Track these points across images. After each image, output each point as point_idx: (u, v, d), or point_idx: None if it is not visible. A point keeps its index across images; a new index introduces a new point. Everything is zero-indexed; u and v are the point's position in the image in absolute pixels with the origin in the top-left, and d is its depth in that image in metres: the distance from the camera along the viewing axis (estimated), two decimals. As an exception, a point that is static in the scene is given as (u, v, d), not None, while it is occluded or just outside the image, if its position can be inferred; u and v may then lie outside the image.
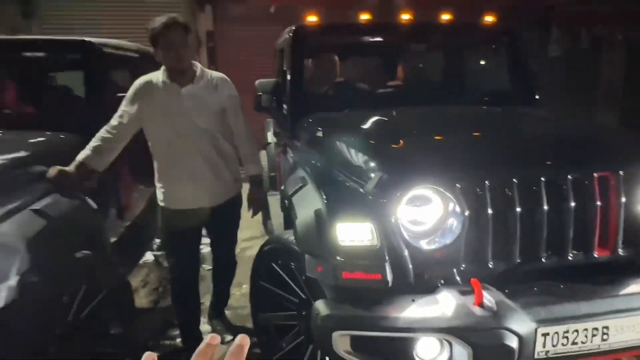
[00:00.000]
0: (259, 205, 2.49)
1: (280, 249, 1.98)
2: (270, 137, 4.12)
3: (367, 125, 2.29)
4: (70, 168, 2.09)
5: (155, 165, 2.31)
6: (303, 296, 1.94)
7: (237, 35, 6.94)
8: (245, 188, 2.51)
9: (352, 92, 3.06)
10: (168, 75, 2.18)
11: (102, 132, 2.19)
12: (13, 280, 1.58)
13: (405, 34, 3.08)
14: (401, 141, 1.92)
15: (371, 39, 3.18)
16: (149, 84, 2.21)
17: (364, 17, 3.04)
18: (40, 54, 3.07)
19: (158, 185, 2.34)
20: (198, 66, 2.25)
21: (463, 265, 1.63)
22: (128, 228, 2.89)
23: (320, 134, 2.37)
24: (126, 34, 6.54)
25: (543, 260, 1.68)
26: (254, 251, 2.33)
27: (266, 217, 4.13)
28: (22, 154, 2.10)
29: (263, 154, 4.37)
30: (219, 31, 7.01)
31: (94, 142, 2.16)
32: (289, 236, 1.94)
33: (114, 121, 2.21)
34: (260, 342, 2.22)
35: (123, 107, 2.22)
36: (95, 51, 2.78)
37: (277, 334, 2.15)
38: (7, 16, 6.87)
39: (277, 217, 3.54)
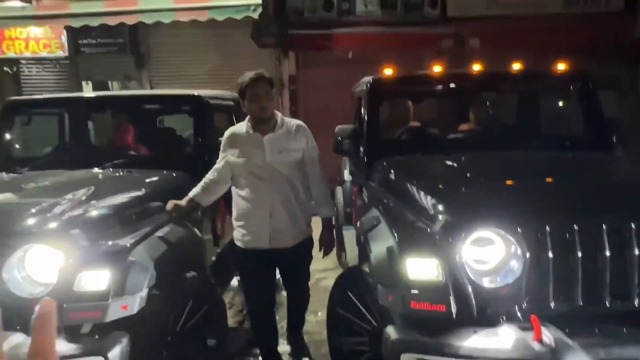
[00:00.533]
0: (330, 246, 2.68)
1: (356, 279, 2.23)
2: (347, 175, 4.44)
3: (436, 169, 2.52)
4: (183, 202, 2.51)
5: (235, 205, 2.55)
6: (375, 323, 2.17)
7: (317, 78, 7.50)
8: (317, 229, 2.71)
9: (424, 137, 3.30)
10: (252, 125, 2.46)
11: (209, 174, 2.57)
12: (144, 292, 1.99)
13: (475, 83, 3.29)
14: (467, 185, 2.12)
15: (443, 88, 3.41)
16: (235, 134, 2.53)
17: (437, 68, 3.30)
18: (159, 106, 3.69)
19: (236, 224, 2.55)
20: (279, 115, 2.52)
21: (524, 304, 1.77)
22: (220, 254, 3.32)
23: (393, 176, 2.63)
24: (219, 81, 7.44)
25: (607, 304, 1.77)
26: (328, 282, 2.62)
27: (340, 250, 4.40)
28: (148, 190, 2.60)
29: (339, 190, 4.70)
30: (300, 75, 7.60)
31: (203, 181, 2.55)
32: (364, 268, 2.19)
33: (217, 165, 2.57)
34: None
35: (220, 154, 2.58)
36: (202, 102, 3.32)
37: (350, 358, 2.37)
38: (123, 65, 8.06)
39: (352, 250, 3.80)
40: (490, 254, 1.83)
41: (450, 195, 2.04)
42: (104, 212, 2.23)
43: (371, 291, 2.06)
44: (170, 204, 2.49)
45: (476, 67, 3.27)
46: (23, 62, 7.95)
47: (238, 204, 2.53)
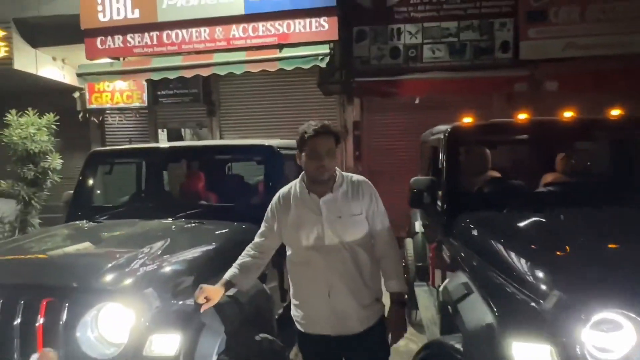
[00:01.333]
0: (400, 330, 2.06)
1: (443, 355, 1.96)
2: (418, 227, 4.18)
3: (535, 230, 2.24)
4: (217, 288, 2.01)
5: (290, 279, 2.13)
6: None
7: (382, 124, 7.42)
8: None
9: (509, 189, 3.01)
10: (306, 185, 2.03)
11: (248, 250, 2.15)
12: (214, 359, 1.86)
13: (567, 131, 3.00)
14: (581, 253, 1.83)
15: (530, 136, 3.14)
16: (286, 197, 2.09)
17: (522, 115, 3.06)
18: (232, 155, 3.72)
19: (293, 301, 2.12)
20: (337, 171, 2.06)
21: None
22: (287, 307, 3.16)
23: (481, 236, 2.37)
24: (284, 128, 7.59)
25: None
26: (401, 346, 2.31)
27: (411, 307, 4.08)
28: (219, 244, 2.53)
29: (409, 243, 4.43)
30: (364, 121, 7.56)
31: (240, 259, 2.12)
32: (453, 343, 1.92)
33: (257, 239, 2.15)
34: None
35: (264, 223, 2.14)
36: (273, 152, 3.30)
37: None
38: (195, 114, 8.49)
39: (426, 309, 3.49)
40: (617, 340, 1.51)
41: (562, 266, 1.76)
42: (177, 269, 2.17)
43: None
44: (200, 293, 1.95)
45: (567, 114, 2.98)
46: (108, 112, 8.62)
47: (292, 278, 2.12)
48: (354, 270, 1.99)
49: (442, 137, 3.08)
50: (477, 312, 1.72)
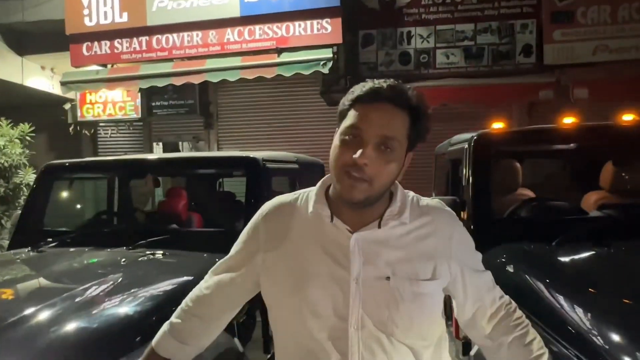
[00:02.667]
0: None
1: None
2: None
3: (594, 271, 1.60)
4: None
5: None
6: None
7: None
8: None
9: (553, 214, 2.37)
10: (329, 202, 1.05)
11: (191, 299, 1.19)
12: None
13: (621, 139, 2.37)
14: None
15: (576, 146, 2.51)
16: (282, 217, 1.09)
17: (568, 120, 2.43)
18: (210, 169, 3.15)
19: None
20: (398, 189, 1.05)
21: None
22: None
23: (523, 277, 1.73)
24: (285, 140, 7.04)
25: None
26: None
27: None
28: (176, 290, 1.90)
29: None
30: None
31: (177, 317, 1.18)
32: None
33: (210, 280, 1.17)
34: None
35: (231, 253, 1.17)
36: (257, 165, 2.71)
37: None
38: (192, 126, 7.99)
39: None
40: None
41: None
42: (104, 327, 1.56)
43: None
44: None
45: (628, 117, 2.35)
46: (101, 124, 8.16)
47: None
48: None
49: (467, 146, 2.45)
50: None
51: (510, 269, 1.88)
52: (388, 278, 0.97)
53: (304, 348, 1.00)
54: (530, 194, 2.95)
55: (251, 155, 2.75)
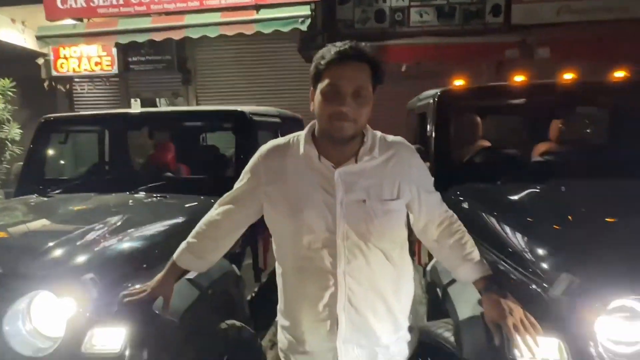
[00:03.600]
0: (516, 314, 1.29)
1: (429, 344, 1.73)
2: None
3: (531, 204, 2.00)
4: (166, 279, 1.52)
5: (279, 285, 1.44)
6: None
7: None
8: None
9: (503, 160, 2.76)
10: (316, 144, 1.33)
11: (204, 223, 1.49)
12: (169, 353, 1.60)
13: (569, 95, 2.74)
14: (588, 230, 1.59)
15: (527, 102, 2.88)
16: (278, 155, 1.37)
17: (519, 78, 2.78)
18: (199, 122, 3.39)
19: (280, 319, 1.46)
20: (369, 131, 1.34)
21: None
22: (261, 288, 2.92)
23: (474, 210, 2.12)
24: (265, 96, 7.21)
25: None
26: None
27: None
28: (180, 221, 2.23)
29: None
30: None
31: (193, 236, 1.50)
32: (443, 331, 1.70)
33: (221, 208, 1.46)
34: None
35: (236, 186, 1.45)
36: (245, 119, 2.97)
37: None
38: (170, 82, 8.03)
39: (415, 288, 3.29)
40: (636, 331, 1.29)
41: (571, 246, 1.52)
42: (128, 251, 1.88)
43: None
44: (138, 293, 1.51)
45: (568, 76, 2.72)
46: (76, 80, 8.09)
47: (284, 288, 1.42)
48: (382, 285, 1.32)
49: (431, 102, 2.79)
50: (472, 298, 1.47)
51: (464, 204, 2.27)
52: (364, 201, 1.29)
53: (302, 256, 1.31)
54: (488, 144, 3.34)
55: (239, 110, 3.01)
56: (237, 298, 2.32)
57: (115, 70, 7.68)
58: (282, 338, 1.44)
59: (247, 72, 7.44)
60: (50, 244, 1.80)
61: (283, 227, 1.35)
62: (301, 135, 1.37)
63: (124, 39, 6.09)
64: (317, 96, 1.27)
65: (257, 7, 5.86)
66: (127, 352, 1.50)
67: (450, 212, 1.47)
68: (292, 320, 1.39)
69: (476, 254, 1.41)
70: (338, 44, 1.27)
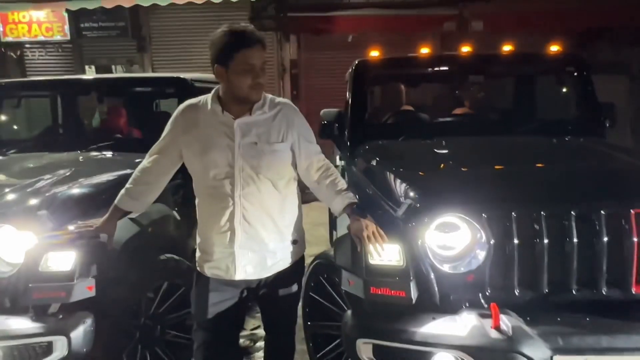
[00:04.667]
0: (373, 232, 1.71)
1: (326, 264, 2.21)
2: (338, 160, 4.40)
3: (413, 154, 2.47)
4: (109, 220, 1.90)
5: (197, 215, 1.84)
6: (345, 308, 2.15)
7: (319, 62, 7.43)
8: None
9: (411, 121, 3.23)
10: (220, 102, 1.73)
11: (139, 171, 1.89)
12: (111, 274, 1.99)
13: (466, 66, 3.20)
14: (438, 170, 2.08)
15: (432, 71, 3.33)
16: (192, 111, 1.78)
17: (424, 50, 3.22)
18: (145, 88, 3.68)
19: (197, 239, 1.86)
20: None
21: (489, 291, 1.73)
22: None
23: (371, 160, 2.58)
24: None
25: (574, 292, 1.72)
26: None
27: (332, 229, 4.37)
28: (126, 172, 2.59)
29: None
30: (302, 59, 7.53)
31: (130, 182, 1.89)
32: (332, 252, 2.17)
33: (151, 157, 1.86)
34: (308, 350, 2.45)
35: (160, 139, 1.85)
36: (187, 85, 3.30)
37: (324, 343, 2.37)
38: (125, 50, 8.08)
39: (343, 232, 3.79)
40: (455, 240, 1.79)
41: (417, 180, 2.00)
42: (75, 194, 2.24)
43: (339, 276, 2.04)
44: (85, 227, 1.91)
45: (466, 49, 3.18)
46: (27, 45, 8.00)
47: (198, 213, 1.84)
48: (269, 205, 1.74)
49: (350, 71, 3.20)
50: (344, 224, 1.92)
51: (368, 157, 2.71)
52: (256, 143, 1.73)
53: (210, 185, 1.75)
54: (410, 109, 3.80)
55: (181, 76, 3.33)
56: (179, 242, 2.72)
57: (67, 36, 7.66)
58: (198, 253, 1.87)
59: (201, 40, 7.54)
60: (9, 189, 2.14)
61: (196, 164, 1.77)
62: (209, 96, 1.80)
63: (73, 5, 6.16)
64: (233, 73, 1.66)
65: (208, -24, 6.01)
66: (77, 269, 1.89)
67: (327, 161, 1.90)
68: (202, 236, 1.83)
69: (345, 189, 1.84)
70: (237, 28, 1.66)
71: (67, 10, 6.79)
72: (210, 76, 3.95)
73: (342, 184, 1.86)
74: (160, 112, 4.61)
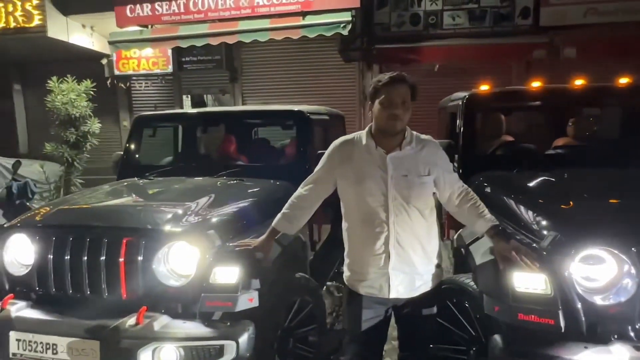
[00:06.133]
0: (519, 250, 1.86)
1: (456, 289, 2.33)
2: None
3: (538, 185, 2.55)
4: (267, 239, 2.18)
5: (345, 237, 2.06)
6: (473, 333, 2.25)
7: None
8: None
9: (521, 152, 3.30)
10: (373, 137, 1.97)
11: (295, 198, 2.16)
12: (266, 288, 2.25)
13: (577, 98, 3.24)
14: (575, 203, 2.15)
15: (542, 104, 3.39)
16: (348, 146, 2.02)
17: (536, 83, 3.30)
18: (264, 120, 4.05)
19: (346, 260, 2.07)
20: (407, 129, 1.99)
21: (638, 323, 1.77)
22: (317, 256, 3.56)
23: (492, 191, 2.69)
24: (304, 94, 7.83)
25: None
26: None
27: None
28: (261, 196, 2.90)
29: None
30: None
31: (287, 208, 2.16)
32: (464, 279, 2.29)
33: (307, 185, 2.14)
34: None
35: (317, 170, 2.11)
36: (304, 116, 3.61)
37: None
38: (218, 80, 8.76)
39: (446, 260, 3.85)
40: (600, 272, 1.85)
41: (558, 213, 2.09)
42: (230, 217, 2.55)
43: (473, 301, 2.16)
44: (248, 246, 2.21)
45: (578, 82, 3.22)
46: (134, 78, 8.94)
47: (348, 235, 2.05)
48: (418, 231, 1.93)
49: (460, 103, 3.35)
50: (486, 250, 2.05)
51: (487, 188, 2.83)
52: (406, 176, 1.94)
53: (365, 211, 1.95)
54: (511, 139, 3.86)
55: (300, 109, 3.64)
56: (302, 259, 2.98)
57: (170, 69, 8.47)
58: (348, 273, 2.06)
59: (290, 71, 8.05)
60: (177, 209, 2.49)
61: (350, 193, 1.99)
62: (362, 132, 2.05)
63: (184, 44, 6.83)
64: (377, 105, 1.94)
65: (303, 14, 6.47)
66: (241, 283, 2.16)
67: (466, 186, 2.07)
68: (356, 258, 2.02)
69: (487, 212, 1.99)
70: (388, 73, 1.94)
71: (173, 47, 7.54)
72: (319, 108, 4.35)
73: (483, 207, 2.01)
74: (261, 139, 5.03)
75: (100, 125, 6.09)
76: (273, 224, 2.18)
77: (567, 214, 2.06)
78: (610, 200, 2.21)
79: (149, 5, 6.93)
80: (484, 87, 3.34)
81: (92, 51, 8.38)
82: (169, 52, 8.24)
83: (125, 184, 3.33)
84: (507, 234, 1.94)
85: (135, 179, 3.49)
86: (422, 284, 1.98)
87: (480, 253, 2.11)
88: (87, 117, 5.78)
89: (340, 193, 2.05)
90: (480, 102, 3.30)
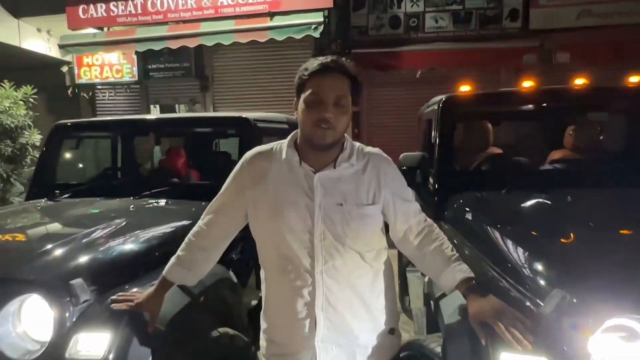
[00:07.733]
0: (504, 316, 1.23)
1: (424, 357, 1.68)
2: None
3: (534, 214, 1.92)
4: (155, 294, 1.52)
5: (263, 290, 1.47)
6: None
7: (382, 100, 7.05)
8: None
9: (510, 167, 2.68)
10: (298, 150, 1.36)
11: (193, 235, 1.49)
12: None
13: (579, 101, 2.64)
14: (589, 244, 1.51)
15: (534, 108, 2.79)
16: (263, 160, 1.39)
17: (527, 84, 2.70)
18: (205, 128, 3.42)
19: (262, 325, 1.49)
20: (347, 141, 1.38)
21: None
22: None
23: (473, 218, 2.06)
24: (279, 102, 7.25)
25: None
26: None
27: (404, 293, 3.81)
28: (179, 226, 2.23)
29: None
30: (363, 96, 7.19)
31: (182, 249, 1.50)
32: (434, 346, 1.64)
33: (208, 217, 1.47)
34: None
35: (220, 194, 1.46)
36: (249, 125, 2.98)
37: None
38: (188, 89, 8.17)
39: (416, 298, 3.20)
40: (633, 350, 1.21)
41: (563, 258, 1.45)
42: (120, 256, 1.89)
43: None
44: (126, 300, 1.53)
45: (579, 82, 2.62)
46: (98, 87, 8.31)
47: (266, 292, 1.45)
48: (358, 284, 1.34)
49: (436, 108, 2.73)
50: (461, 314, 1.41)
51: (467, 214, 2.20)
52: (341, 204, 1.33)
53: (283, 255, 1.34)
54: (499, 151, 3.25)
55: (243, 116, 3.02)
56: (234, 305, 2.30)
57: (135, 77, 7.86)
58: (263, 342, 1.46)
59: (263, 78, 7.51)
60: (44, 248, 1.82)
61: (265, 228, 1.38)
62: (284, 142, 1.41)
63: (141, 47, 6.24)
64: (301, 104, 1.32)
65: (271, 15, 5.92)
66: (110, 357, 1.50)
67: (430, 221, 1.45)
68: (273, 322, 1.42)
69: (457, 258, 1.38)
70: (320, 57, 1.33)
71: (136, 53, 6.95)
72: (276, 116, 3.74)
73: (451, 250, 1.41)
74: (220, 152, 4.40)
75: (41, 136, 5.44)
76: (164, 272, 1.52)
77: (579, 260, 1.41)
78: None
79: (104, 6, 6.34)
80: (465, 89, 2.73)
81: (50, 58, 7.73)
82: (134, 58, 7.65)
83: (17, 208, 2.66)
84: (484, 291, 1.31)
85: (40, 201, 2.83)
86: (372, 357, 1.38)
87: (453, 315, 1.47)
88: (25, 128, 5.13)
89: (252, 228, 1.44)
90: (461, 107, 2.69)
